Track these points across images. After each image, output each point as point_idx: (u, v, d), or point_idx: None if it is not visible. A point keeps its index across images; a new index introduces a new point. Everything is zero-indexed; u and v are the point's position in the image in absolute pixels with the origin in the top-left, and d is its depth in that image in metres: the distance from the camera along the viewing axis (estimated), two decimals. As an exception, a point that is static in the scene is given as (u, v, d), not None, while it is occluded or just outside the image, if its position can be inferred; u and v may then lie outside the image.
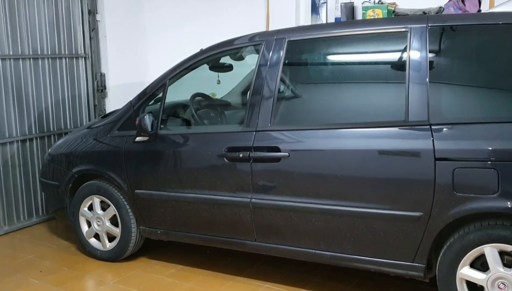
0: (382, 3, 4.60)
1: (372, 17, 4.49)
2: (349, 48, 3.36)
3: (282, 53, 3.26)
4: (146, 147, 3.65)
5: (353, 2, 4.86)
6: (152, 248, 4.16)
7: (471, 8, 4.15)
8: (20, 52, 4.70)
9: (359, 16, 4.83)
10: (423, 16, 3.15)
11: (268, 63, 3.29)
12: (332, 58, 3.53)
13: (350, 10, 4.87)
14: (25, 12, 4.71)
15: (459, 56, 2.95)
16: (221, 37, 3.71)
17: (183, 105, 4.03)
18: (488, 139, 2.62)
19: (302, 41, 3.33)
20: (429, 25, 2.88)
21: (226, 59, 3.86)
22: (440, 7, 4.30)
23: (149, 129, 3.54)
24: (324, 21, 4.96)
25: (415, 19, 3.02)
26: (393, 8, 4.57)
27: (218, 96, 4.43)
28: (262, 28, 4.90)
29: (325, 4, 4.96)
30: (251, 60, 3.60)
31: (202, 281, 3.62)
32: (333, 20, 4.88)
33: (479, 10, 4.17)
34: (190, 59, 3.65)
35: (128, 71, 5.55)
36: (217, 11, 5.39)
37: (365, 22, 3.71)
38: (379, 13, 4.51)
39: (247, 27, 4.23)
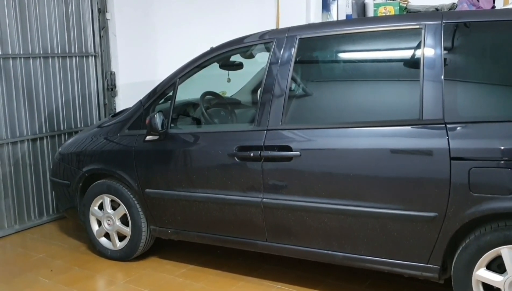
0: (393, 0, 4.54)
1: (384, 14, 4.44)
2: (361, 46, 3.31)
3: (293, 51, 3.23)
4: (156, 146, 3.64)
5: (364, -1, 4.82)
6: (162, 248, 4.15)
7: (484, 4, 4.07)
8: (30, 51, 4.70)
9: (370, 13, 4.78)
10: (437, 13, 3.09)
11: (279, 61, 3.26)
12: (344, 56, 3.49)
13: (361, 7, 4.82)
14: (35, 11, 4.71)
15: (474, 53, 2.90)
16: (231, 35, 3.68)
17: (193, 104, 4.01)
18: (505, 138, 2.57)
19: (313, 38, 3.29)
20: (444, 22, 2.83)
21: (236, 58, 3.83)
22: (453, 3, 4.23)
23: (159, 128, 3.53)
24: (335, 19, 4.91)
25: (429, 16, 2.97)
26: (405, 5, 4.52)
27: (228, 95, 4.40)
28: (272, 26, 4.86)
29: (336, 1, 4.91)
30: (261, 59, 3.57)
31: (213, 281, 3.60)
32: (344, 18, 4.83)
33: (493, 7, 4.10)
34: (200, 58, 3.63)
35: (138, 69, 5.54)
36: (227, 9, 5.36)
37: (378, 19, 3.66)
38: (391, 10, 4.46)
39: (257, 24, 4.19)
